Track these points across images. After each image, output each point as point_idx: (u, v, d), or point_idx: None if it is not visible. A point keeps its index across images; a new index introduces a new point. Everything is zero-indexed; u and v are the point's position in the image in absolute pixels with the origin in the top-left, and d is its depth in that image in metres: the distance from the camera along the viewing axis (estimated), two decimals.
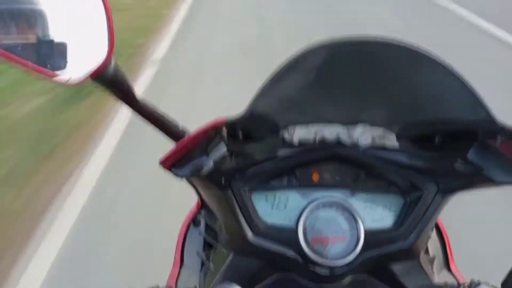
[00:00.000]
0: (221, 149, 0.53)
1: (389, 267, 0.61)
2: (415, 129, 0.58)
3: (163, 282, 0.70)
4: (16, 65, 0.44)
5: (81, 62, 0.47)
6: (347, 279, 0.61)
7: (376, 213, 0.61)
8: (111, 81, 0.52)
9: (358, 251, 0.58)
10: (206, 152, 0.52)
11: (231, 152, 0.53)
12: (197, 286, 0.67)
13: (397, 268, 0.61)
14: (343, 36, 0.47)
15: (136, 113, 0.58)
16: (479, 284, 0.44)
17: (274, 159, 0.59)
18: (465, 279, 0.68)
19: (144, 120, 0.59)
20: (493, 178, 0.52)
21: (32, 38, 0.45)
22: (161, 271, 0.77)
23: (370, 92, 0.55)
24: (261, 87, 0.48)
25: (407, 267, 0.61)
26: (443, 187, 0.58)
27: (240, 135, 0.57)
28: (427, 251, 0.69)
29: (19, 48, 0.44)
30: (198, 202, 0.76)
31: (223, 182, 0.57)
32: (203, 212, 0.76)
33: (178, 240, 0.75)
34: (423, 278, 0.61)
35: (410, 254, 0.60)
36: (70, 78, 0.46)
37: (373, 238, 0.59)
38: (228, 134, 0.53)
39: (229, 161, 0.54)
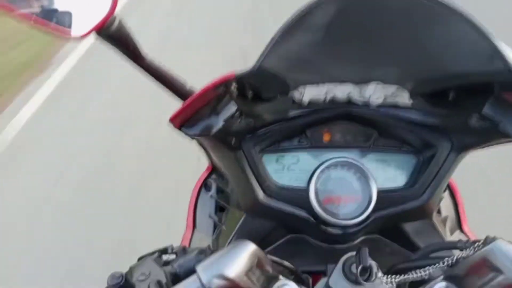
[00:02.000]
0: (231, 108, 0.52)
1: (401, 227, 0.61)
2: (428, 86, 0.56)
3: (176, 244, 0.71)
4: (21, 19, 0.43)
5: (85, 17, 0.47)
6: (359, 239, 0.61)
7: (388, 173, 0.60)
8: (116, 38, 0.51)
9: (370, 211, 0.57)
10: (216, 111, 0.51)
11: (241, 111, 0.53)
12: (211, 246, 0.68)
13: (410, 227, 0.61)
14: None
15: (142, 70, 0.57)
16: (494, 239, 0.43)
17: (285, 119, 0.58)
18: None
19: (151, 78, 0.58)
20: (509, 133, 0.51)
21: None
22: None
23: (382, 48, 0.53)
24: (270, 42, 0.46)
25: (419, 226, 0.61)
26: (457, 144, 0.57)
27: (250, 94, 0.56)
28: (439, 211, 0.68)
29: (23, 3, 0.44)
30: (208, 166, 0.76)
31: (233, 142, 0.56)
32: (214, 175, 0.76)
33: (190, 204, 0.75)
34: (436, 237, 0.61)
35: (423, 213, 0.60)
36: (74, 32, 0.46)
37: (385, 197, 0.58)
38: (238, 93, 0.53)
39: (240, 121, 0.54)
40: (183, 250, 0.47)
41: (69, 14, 0.45)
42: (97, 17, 0.45)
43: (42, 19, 0.44)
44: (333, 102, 0.58)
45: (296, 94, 0.58)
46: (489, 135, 0.54)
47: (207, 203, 0.74)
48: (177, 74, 0.60)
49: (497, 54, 0.45)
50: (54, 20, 0.45)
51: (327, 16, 0.47)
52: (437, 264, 0.45)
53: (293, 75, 0.56)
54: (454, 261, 0.45)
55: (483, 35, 0.45)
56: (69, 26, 0.46)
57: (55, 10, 0.45)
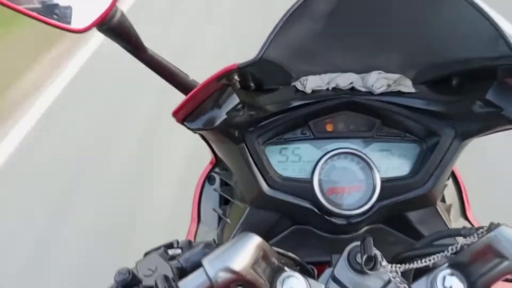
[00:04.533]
0: (234, 101, 0.52)
1: (405, 216, 0.61)
2: (431, 73, 0.56)
3: (181, 238, 0.71)
4: (22, 13, 0.43)
5: (86, 10, 0.47)
6: (363, 229, 0.61)
7: (392, 162, 0.60)
8: (118, 31, 0.51)
9: (374, 200, 0.57)
10: (218, 104, 0.52)
11: (243, 104, 0.53)
12: (216, 240, 0.68)
13: (414, 216, 0.61)
14: None
15: (145, 63, 0.57)
16: (498, 225, 0.43)
17: (287, 110, 0.58)
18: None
19: (153, 70, 0.58)
20: None
21: None
22: None
23: (384, 35, 0.53)
24: (271, 32, 0.46)
25: (423, 215, 0.61)
26: (460, 131, 0.57)
27: (252, 85, 0.56)
28: (443, 199, 0.68)
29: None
30: (212, 159, 0.76)
31: (236, 135, 0.56)
32: (217, 169, 0.76)
33: (194, 198, 0.75)
34: (440, 225, 0.61)
35: (427, 201, 0.60)
36: (75, 26, 0.46)
37: (389, 186, 0.58)
38: (240, 84, 0.52)
39: (242, 113, 0.54)
40: (189, 244, 0.48)
41: (70, 8, 0.45)
42: (99, 11, 0.45)
43: (43, 14, 0.44)
44: (336, 91, 0.58)
45: (298, 84, 0.58)
46: (492, 121, 0.54)
47: (212, 196, 0.74)
48: (179, 68, 0.60)
49: (501, 37, 0.45)
50: (56, 14, 0.45)
51: (328, 4, 0.47)
52: (441, 252, 0.45)
53: (295, 65, 0.56)
54: (458, 248, 0.45)
55: (487, 19, 0.45)
56: (70, 20, 0.46)
57: (56, 5, 0.45)
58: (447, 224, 0.61)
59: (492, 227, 0.44)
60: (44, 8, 0.45)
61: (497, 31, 0.45)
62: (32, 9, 0.44)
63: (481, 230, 0.45)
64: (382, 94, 0.58)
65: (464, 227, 0.49)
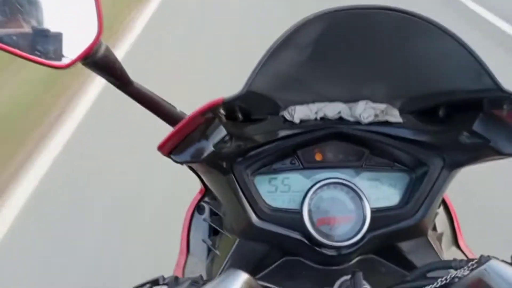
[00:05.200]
0: (221, 133, 0.51)
1: (396, 246, 0.60)
2: (418, 103, 0.57)
3: (169, 270, 0.69)
4: (5, 51, 0.43)
5: (70, 46, 0.46)
6: (354, 260, 0.60)
7: (381, 192, 0.60)
8: (102, 65, 0.51)
9: (365, 231, 0.57)
10: (205, 135, 0.51)
11: (231, 135, 0.52)
12: (204, 274, 0.67)
13: (405, 246, 0.60)
14: (340, 6, 0.45)
15: (131, 97, 0.57)
16: (489, 258, 0.43)
17: (276, 140, 0.58)
18: (474, 255, 0.67)
19: (140, 103, 0.58)
20: (500, 149, 0.51)
21: (20, 25, 0.45)
22: None
23: (371, 66, 0.53)
24: (258, 64, 0.46)
25: (415, 245, 0.60)
26: (449, 161, 0.57)
27: (240, 116, 0.55)
28: (434, 228, 0.68)
29: (7, 36, 0.44)
30: (201, 188, 0.75)
31: (224, 166, 0.56)
32: (206, 198, 0.75)
33: (183, 228, 0.74)
34: (432, 255, 0.60)
35: (418, 231, 0.59)
36: (60, 62, 0.45)
37: (380, 216, 0.58)
38: (227, 115, 0.52)
39: (230, 144, 0.53)
40: (175, 281, 0.46)
41: (52, 44, 0.45)
42: (82, 46, 0.45)
43: (25, 51, 0.44)
44: (324, 120, 0.58)
45: (286, 114, 0.58)
46: (480, 151, 0.54)
47: (201, 226, 0.73)
48: (165, 100, 0.60)
49: (484, 71, 0.45)
50: (38, 51, 0.45)
51: (315, 34, 0.48)
52: (432, 285, 0.45)
53: (282, 95, 0.56)
54: (448, 281, 0.45)
55: (471, 53, 0.45)
56: (54, 56, 0.45)
57: (38, 41, 0.44)
58: (439, 254, 0.61)
59: (483, 260, 0.43)
60: (27, 45, 0.45)
61: (481, 65, 0.45)
62: (15, 46, 0.43)
63: (471, 263, 0.45)
64: (370, 124, 0.58)
65: (454, 259, 0.48)
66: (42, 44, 0.45)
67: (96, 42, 0.47)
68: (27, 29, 0.45)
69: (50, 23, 0.46)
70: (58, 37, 0.46)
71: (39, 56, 0.45)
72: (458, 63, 0.47)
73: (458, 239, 0.70)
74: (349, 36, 0.49)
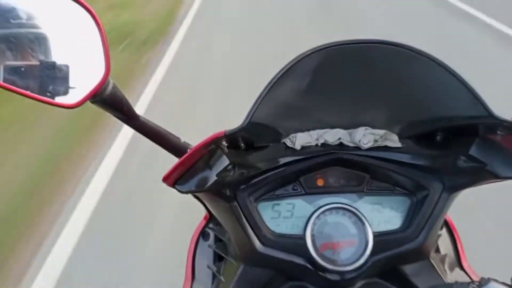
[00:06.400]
0: (224, 162, 0.53)
1: (399, 269, 0.61)
2: (416, 128, 0.58)
3: None
4: (16, 93, 0.45)
5: (78, 86, 0.48)
6: (358, 284, 0.60)
7: (383, 215, 0.60)
8: (110, 102, 0.53)
9: (368, 255, 0.57)
10: (209, 166, 0.52)
11: (233, 163, 0.54)
12: None
13: (408, 269, 0.61)
14: (338, 40, 0.47)
15: (137, 131, 0.59)
16: (488, 281, 0.44)
17: (278, 167, 0.59)
18: (477, 276, 0.67)
19: (146, 136, 0.60)
20: (497, 173, 0.52)
21: (29, 64, 0.46)
22: None
23: (369, 94, 0.55)
24: (258, 98, 0.48)
25: (418, 268, 0.61)
26: (448, 184, 0.58)
27: (242, 145, 0.57)
28: (438, 249, 0.68)
29: (16, 78, 0.46)
30: (206, 215, 0.76)
31: (228, 194, 0.57)
32: (211, 224, 0.76)
33: (188, 254, 0.74)
34: (435, 278, 0.60)
35: (420, 254, 0.60)
36: (68, 102, 0.47)
37: (382, 240, 0.58)
38: (230, 145, 0.54)
39: (233, 173, 0.55)
40: None
41: (63, 85, 0.47)
42: (91, 85, 0.47)
43: (37, 93, 0.46)
44: (325, 146, 0.59)
45: (288, 141, 0.59)
46: (478, 175, 0.55)
47: (206, 252, 0.74)
48: (170, 132, 0.62)
49: (477, 100, 0.47)
50: (49, 92, 0.46)
51: (314, 66, 0.49)
52: None
53: (283, 123, 0.57)
54: None
55: (463, 83, 0.47)
56: (64, 96, 0.47)
57: (49, 83, 0.46)
58: (442, 276, 0.61)
59: (483, 282, 0.44)
60: (38, 87, 0.46)
61: (473, 94, 0.47)
62: (25, 88, 0.45)
63: (472, 285, 0.45)
64: (370, 149, 0.59)
65: (456, 282, 0.49)
66: (51, 85, 0.47)
67: (104, 81, 0.48)
68: (35, 70, 0.47)
69: (58, 63, 0.47)
70: (66, 78, 0.47)
71: (49, 97, 0.46)
72: (452, 92, 0.49)
73: (462, 260, 0.70)
74: (347, 68, 0.50)
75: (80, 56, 0.48)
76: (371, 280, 0.61)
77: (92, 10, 0.45)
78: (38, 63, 0.46)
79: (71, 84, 0.47)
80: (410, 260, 0.60)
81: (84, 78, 0.48)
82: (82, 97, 0.47)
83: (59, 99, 0.47)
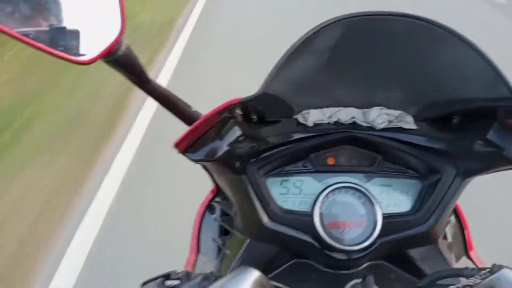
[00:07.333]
0: (236, 133, 0.52)
1: (406, 252, 0.60)
2: (432, 111, 0.57)
3: (179, 267, 0.70)
4: (30, 46, 0.44)
5: (92, 42, 0.48)
6: (364, 265, 0.60)
7: (393, 197, 0.60)
8: (123, 63, 0.52)
9: (375, 236, 0.57)
10: (220, 135, 0.52)
11: (245, 135, 0.53)
12: (214, 271, 0.67)
13: (415, 253, 0.60)
14: (356, 12, 0.45)
15: (149, 95, 0.58)
16: (501, 267, 0.43)
17: (289, 143, 0.58)
18: (484, 265, 0.67)
19: (157, 102, 0.59)
20: None
21: (44, 20, 0.46)
22: None
23: (386, 72, 0.54)
24: (274, 67, 0.47)
25: (425, 252, 0.60)
26: (462, 169, 0.57)
27: (255, 118, 0.56)
28: (445, 236, 0.68)
29: (32, 31, 0.45)
30: (213, 188, 0.76)
31: (237, 166, 0.56)
32: (218, 198, 0.75)
33: (194, 227, 0.75)
34: (441, 263, 0.60)
35: (428, 239, 0.59)
36: (81, 57, 0.47)
37: (391, 222, 0.57)
38: (243, 115, 0.53)
39: (244, 145, 0.54)
40: (187, 276, 0.47)
41: (76, 40, 0.46)
42: (104, 43, 0.46)
43: (49, 45, 0.45)
44: (337, 125, 0.58)
45: (300, 118, 0.58)
46: (494, 160, 0.53)
47: (211, 226, 0.74)
48: (181, 99, 0.61)
49: (500, 80, 0.46)
50: (62, 46, 0.46)
51: (331, 39, 0.48)
52: None
53: (297, 99, 0.56)
54: None
55: (487, 61, 0.45)
56: (76, 52, 0.47)
57: (62, 37, 0.46)
58: (449, 262, 0.60)
59: (495, 268, 0.43)
60: (50, 40, 0.46)
61: (497, 73, 0.45)
62: (39, 40, 0.45)
63: (483, 271, 0.45)
64: (383, 129, 0.58)
65: (466, 267, 0.48)
66: (66, 40, 0.46)
67: (118, 40, 0.48)
68: (50, 25, 0.46)
69: (74, 20, 0.47)
70: (80, 33, 0.47)
71: (63, 51, 0.46)
72: (474, 70, 0.47)
73: (469, 248, 0.70)
74: (364, 42, 0.49)
75: (96, 13, 0.47)
76: (377, 262, 0.61)
77: None
78: (53, 16, 0.46)
79: (85, 40, 0.47)
80: (417, 244, 0.59)
81: (98, 35, 0.47)
82: (96, 54, 0.47)
83: (72, 54, 0.47)
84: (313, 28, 0.46)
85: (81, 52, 0.47)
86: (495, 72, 0.46)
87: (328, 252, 0.57)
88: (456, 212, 0.72)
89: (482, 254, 0.70)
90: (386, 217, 0.57)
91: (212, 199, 0.76)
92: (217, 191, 0.76)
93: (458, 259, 0.68)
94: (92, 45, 0.47)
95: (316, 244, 0.58)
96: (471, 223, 0.71)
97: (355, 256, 0.57)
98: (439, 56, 0.49)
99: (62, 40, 0.46)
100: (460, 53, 0.47)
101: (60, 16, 0.46)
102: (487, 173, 0.56)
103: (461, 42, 0.46)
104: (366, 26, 0.47)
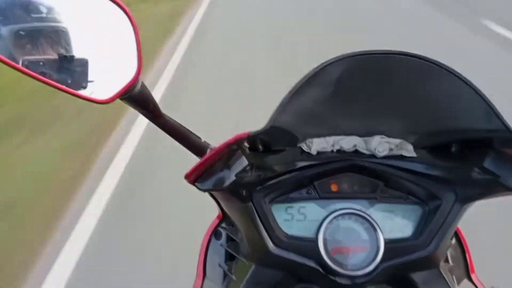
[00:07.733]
0: (243, 163, 0.54)
1: (409, 277, 0.61)
2: (431, 139, 0.59)
3: None
4: (48, 85, 0.47)
5: (110, 82, 0.50)
6: None
7: (395, 223, 0.61)
8: (138, 100, 0.55)
9: (378, 261, 0.58)
10: (228, 166, 0.54)
11: (251, 165, 0.55)
12: None
13: (417, 277, 0.61)
14: (360, 51, 0.49)
15: (161, 129, 0.61)
16: None
17: (293, 171, 0.61)
18: (486, 287, 0.68)
19: (169, 134, 0.62)
20: (510, 185, 0.53)
21: (63, 58, 0.48)
22: None
23: (386, 104, 0.56)
24: (281, 102, 0.50)
25: (427, 276, 0.61)
26: (461, 195, 0.59)
27: (260, 147, 0.58)
28: (447, 260, 0.69)
29: (52, 70, 0.48)
30: (219, 214, 0.77)
31: (244, 194, 0.58)
32: (224, 224, 0.77)
33: (200, 252, 0.76)
34: (444, 287, 0.61)
35: (430, 262, 0.61)
36: (100, 98, 0.49)
37: (393, 247, 0.59)
38: (250, 146, 0.55)
39: (250, 174, 0.56)
40: None
41: (96, 81, 0.49)
42: (122, 83, 0.49)
43: (72, 87, 0.48)
44: (340, 153, 0.60)
45: (304, 146, 0.60)
46: (491, 187, 0.56)
47: (218, 251, 0.75)
48: (191, 131, 0.64)
49: (493, 113, 0.48)
50: (83, 87, 0.48)
51: (335, 75, 0.51)
52: None
53: (301, 129, 0.59)
54: None
55: (480, 96, 0.48)
56: (97, 92, 0.49)
57: (84, 78, 0.48)
58: (451, 285, 0.62)
59: None
60: (73, 82, 0.48)
61: (489, 106, 0.48)
62: (62, 82, 0.47)
63: None
64: (384, 157, 0.60)
65: None
66: (86, 81, 0.49)
67: (136, 80, 0.50)
68: (72, 67, 0.49)
69: (94, 61, 0.49)
70: (100, 74, 0.50)
71: (84, 92, 0.49)
72: (469, 104, 0.50)
73: (470, 271, 0.71)
74: (367, 77, 0.52)
75: (114, 55, 0.50)
76: (380, 286, 0.62)
77: (129, 12, 0.47)
78: (73, 58, 0.48)
79: (104, 80, 0.49)
80: (420, 268, 0.61)
81: (116, 76, 0.50)
82: (114, 93, 0.49)
83: (91, 95, 0.49)
84: (319, 66, 0.49)
85: (100, 92, 0.50)
86: (487, 106, 0.48)
87: (332, 277, 0.59)
88: (458, 236, 0.73)
89: (484, 277, 0.71)
90: (388, 242, 0.59)
91: (218, 225, 0.77)
92: (223, 217, 0.77)
93: (459, 282, 0.69)
94: (110, 85, 0.50)
95: (320, 269, 0.59)
96: (472, 246, 0.73)
97: (358, 281, 0.58)
98: (436, 90, 0.52)
99: (83, 81, 0.49)
100: (454, 87, 0.49)
101: (82, 58, 0.49)
102: (485, 199, 0.58)
103: (456, 77, 0.48)
104: (368, 63, 0.50)
